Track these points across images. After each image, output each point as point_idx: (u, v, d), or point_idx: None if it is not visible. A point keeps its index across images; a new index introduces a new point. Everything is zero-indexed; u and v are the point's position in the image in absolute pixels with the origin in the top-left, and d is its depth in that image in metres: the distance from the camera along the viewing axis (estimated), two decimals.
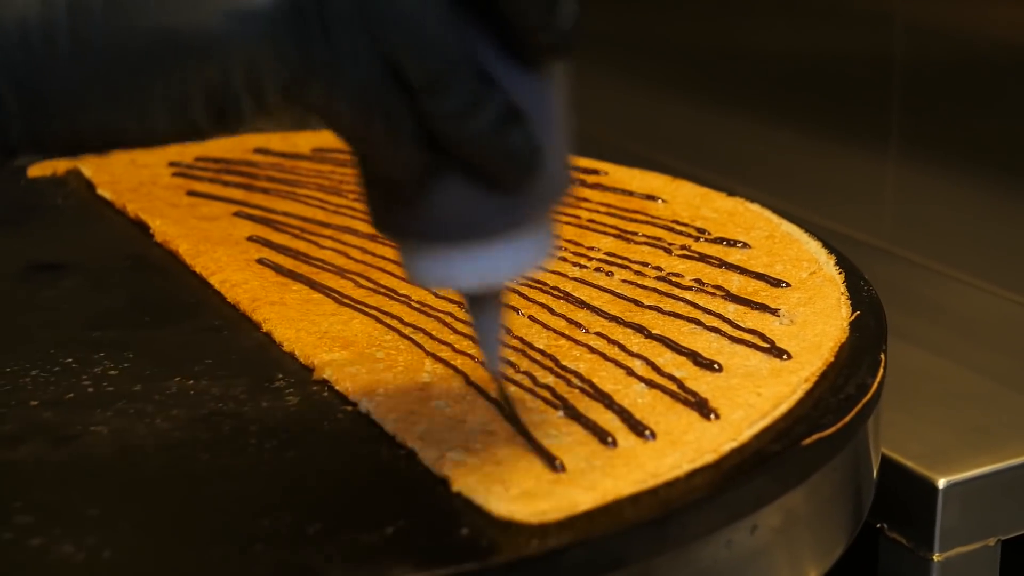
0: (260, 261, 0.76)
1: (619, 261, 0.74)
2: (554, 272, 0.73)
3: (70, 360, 0.66)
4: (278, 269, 0.75)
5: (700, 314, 0.67)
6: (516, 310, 0.68)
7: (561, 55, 0.48)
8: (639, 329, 0.66)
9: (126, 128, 0.45)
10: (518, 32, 0.46)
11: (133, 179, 0.91)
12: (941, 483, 0.72)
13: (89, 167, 0.93)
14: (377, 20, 0.44)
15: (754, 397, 0.59)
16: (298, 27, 0.43)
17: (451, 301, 0.70)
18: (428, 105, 0.45)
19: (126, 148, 0.47)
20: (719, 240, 0.75)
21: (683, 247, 0.75)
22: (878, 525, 0.74)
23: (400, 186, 0.47)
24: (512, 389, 0.60)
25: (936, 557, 0.72)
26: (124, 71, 0.44)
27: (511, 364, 0.63)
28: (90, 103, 0.45)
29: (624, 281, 0.71)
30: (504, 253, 0.49)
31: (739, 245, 0.74)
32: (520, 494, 0.52)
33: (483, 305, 0.53)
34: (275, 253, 0.78)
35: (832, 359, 0.62)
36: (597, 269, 0.73)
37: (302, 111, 0.45)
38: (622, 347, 0.64)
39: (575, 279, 0.72)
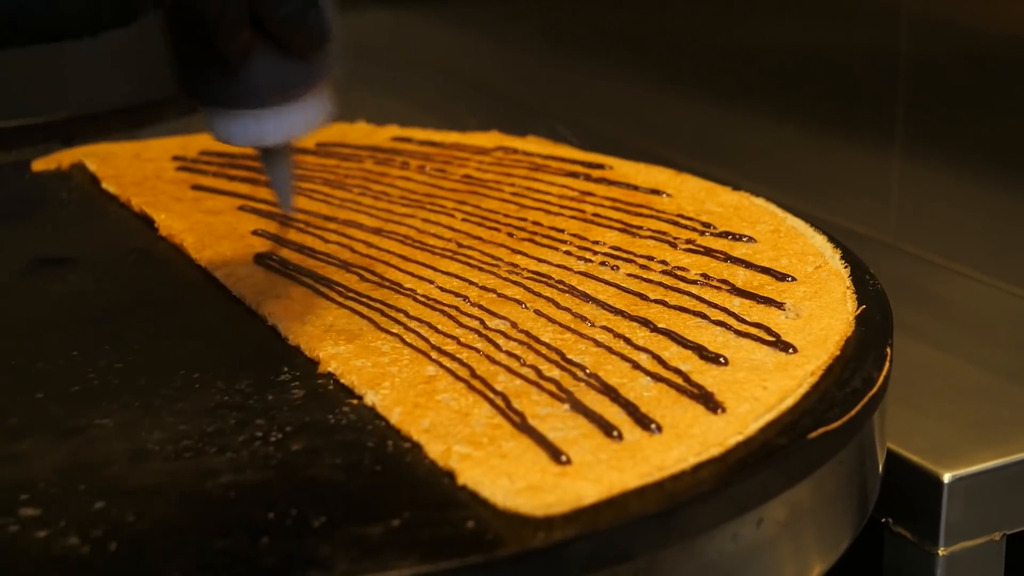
0: (263, 256, 0.76)
1: (624, 255, 0.74)
2: (559, 266, 0.73)
3: (75, 353, 0.66)
4: (283, 263, 0.75)
5: (706, 308, 0.67)
6: (522, 304, 0.68)
7: None
8: (645, 323, 0.65)
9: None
10: None
11: (137, 173, 0.91)
12: (946, 477, 0.72)
13: (94, 161, 0.93)
14: None
15: (760, 390, 0.59)
16: None
17: (456, 295, 0.70)
18: None
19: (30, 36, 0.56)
20: (724, 234, 0.75)
21: (688, 241, 0.75)
22: (883, 519, 0.74)
23: (227, 60, 0.60)
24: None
25: (941, 551, 0.72)
26: None
27: (516, 357, 0.63)
28: None
29: (629, 275, 0.71)
30: (300, 114, 0.63)
31: (744, 239, 0.74)
32: (526, 487, 0.52)
33: (277, 157, 0.65)
34: (279, 247, 0.78)
35: (838, 353, 0.62)
36: (602, 263, 0.73)
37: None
38: (628, 340, 0.64)
39: (580, 273, 0.72)
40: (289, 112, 0.63)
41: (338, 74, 0.64)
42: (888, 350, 0.64)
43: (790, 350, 0.62)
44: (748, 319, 0.65)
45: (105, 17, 0.57)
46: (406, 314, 0.68)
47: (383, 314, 0.68)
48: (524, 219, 0.80)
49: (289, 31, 0.60)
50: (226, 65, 0.61)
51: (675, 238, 0.75)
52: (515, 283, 0.71)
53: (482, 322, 0.66)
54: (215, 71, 0.61)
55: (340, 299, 0.70)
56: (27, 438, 0.59)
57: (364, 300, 0.70)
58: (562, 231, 0.78)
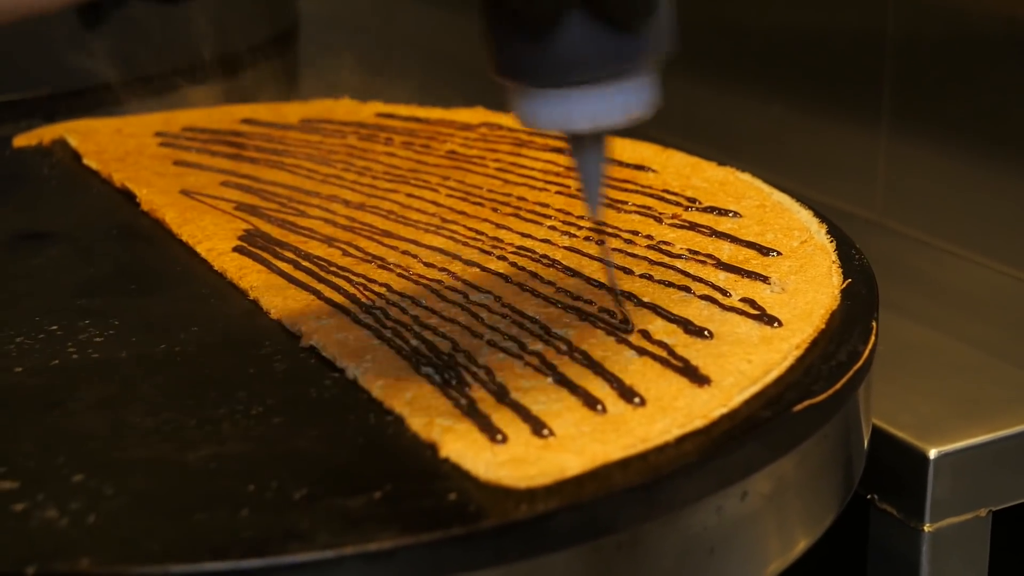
0: (245, 231, 0.76)
1: (610, 230, 0.73)
2: (544, 241, 0.72)
3: (55, 328, 0.66)
4: (266, 238, 0.74)
5: (691, 282, 0.66)
6: (506, 278, 0.68)
7: None
8: (629, 297, 0.65)
9: None
10: None
11: (119, 149, 0.91)
12: (932, 453, 0.71)
13: (75, 137, 0.93)
14: None
15: (745, 364, 0.58)
16: None
17: (441, 270, 0.69)
18: None
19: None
20: (710, 209, 0.75)
21: (674, 216, 0.74)
22: (869, 496, 0.74)
23: (532, 24, 0.52)
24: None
25: (927, 528, 0.72)
26: None
27: (499, 331, 0.62)
28: None
29: (614, 250, 0.71)
30: (615, 97, 0.54)
31: (730, 214, 0.74)
32: (508, 459, 0.52)
33: (587, 148, 0.56)
34: (262, 222, 0.77)
35: (823, 326, 0.62)
36: (587, 238, 0.72)
37: None
38: (612, 314, 0.63)
39: (565, 248, 0.71)
40: (604, 94, 0.54)
41: (665, 55, 0.55)
42: (874, 324, 0.63)
43: (775, 324, 0.62)
44: (733, 293, 0.65)
45: None
46: (389, 288, 0.67)
47: (366, 288, 0.67)
48: (509, 194, 0.80)
49: None
50: (531, 27, 0.52)
51: (660, 213, 0.75)
52: (499, 258, 0.70)
53: (465, 296, 0.66)
54: (521, 37, 0.52)
55: (323, 273, 0.70)
56: (6, 412, 0.59)
57: (346, 275, 0.69)
58: (547, 206, 0.77)
